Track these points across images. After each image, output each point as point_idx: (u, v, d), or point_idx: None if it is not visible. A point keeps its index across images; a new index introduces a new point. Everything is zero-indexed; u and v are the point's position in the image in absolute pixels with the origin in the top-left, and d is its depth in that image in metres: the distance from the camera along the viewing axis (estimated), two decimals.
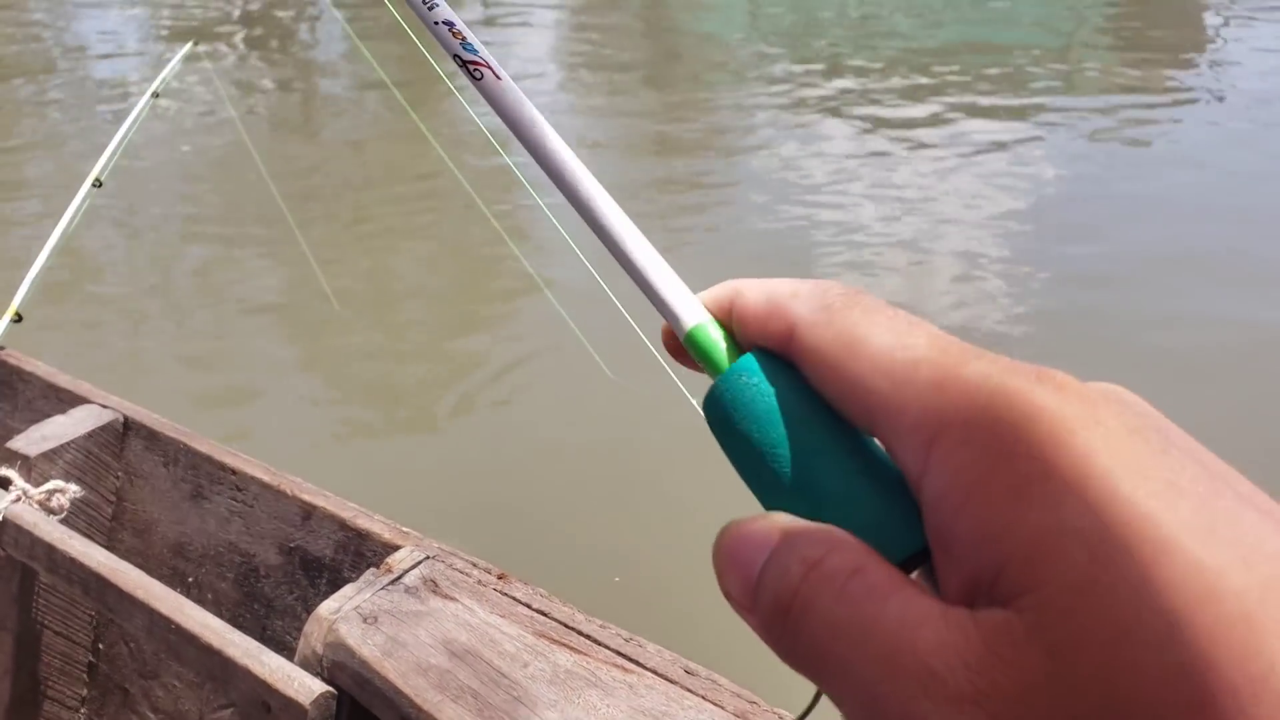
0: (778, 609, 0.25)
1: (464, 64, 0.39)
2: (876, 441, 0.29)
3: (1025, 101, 6.20)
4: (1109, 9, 8.68)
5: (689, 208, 4.78)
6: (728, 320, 0.32)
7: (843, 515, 0.28)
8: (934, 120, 5.79)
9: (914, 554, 0.27)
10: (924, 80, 6.52)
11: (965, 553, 0.23)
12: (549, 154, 0.37)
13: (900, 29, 8.10)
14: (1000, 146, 5.38)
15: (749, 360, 0.31)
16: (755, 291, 0.31)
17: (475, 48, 0.39)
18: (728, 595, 0.27)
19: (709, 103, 6.43)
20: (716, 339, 0.32)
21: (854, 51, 7.49)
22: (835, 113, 5.95)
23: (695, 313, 0.33)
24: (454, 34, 0.40)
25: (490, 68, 0.38)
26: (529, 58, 7.37)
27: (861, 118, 5.87)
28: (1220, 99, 6.17)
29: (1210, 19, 8.16)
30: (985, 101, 6.16)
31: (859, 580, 0.24)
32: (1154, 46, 7.45)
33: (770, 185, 4.95)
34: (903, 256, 4.25)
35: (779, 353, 0.30)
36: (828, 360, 0.28)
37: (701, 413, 0.32)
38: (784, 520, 0.27)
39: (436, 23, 0.40)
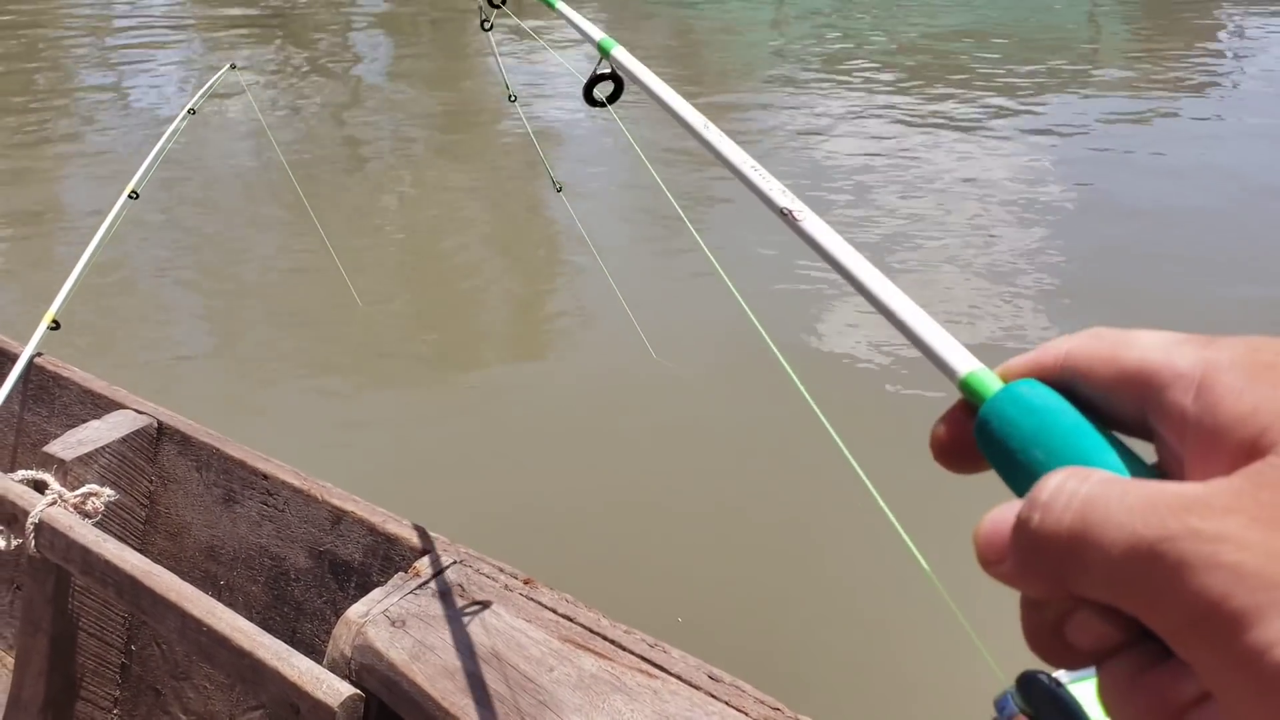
0: (1029, 524, 0.30)
1: (783, 214, 0.52)
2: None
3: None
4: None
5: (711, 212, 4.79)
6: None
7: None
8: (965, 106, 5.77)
9: None
10: (945, 76, 6.50)
11: (1233, 429, 0.29)
12: (839, 257, 0.47)
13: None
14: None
15: (1028, 381, 0.35)
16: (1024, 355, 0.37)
17: (799, 206, 0.52)
18: (985, 564, 0.32)
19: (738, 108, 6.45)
20: (991, 381, 0.36)
21: (872, 37, 7.47)
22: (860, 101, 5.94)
23: (969, 361, 0.38)
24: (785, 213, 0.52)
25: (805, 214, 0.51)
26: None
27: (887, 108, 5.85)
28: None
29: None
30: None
31: (1101, 475, 0.30)
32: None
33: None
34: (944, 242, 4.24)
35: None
36: (1103, 355, 0.34)
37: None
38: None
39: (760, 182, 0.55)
